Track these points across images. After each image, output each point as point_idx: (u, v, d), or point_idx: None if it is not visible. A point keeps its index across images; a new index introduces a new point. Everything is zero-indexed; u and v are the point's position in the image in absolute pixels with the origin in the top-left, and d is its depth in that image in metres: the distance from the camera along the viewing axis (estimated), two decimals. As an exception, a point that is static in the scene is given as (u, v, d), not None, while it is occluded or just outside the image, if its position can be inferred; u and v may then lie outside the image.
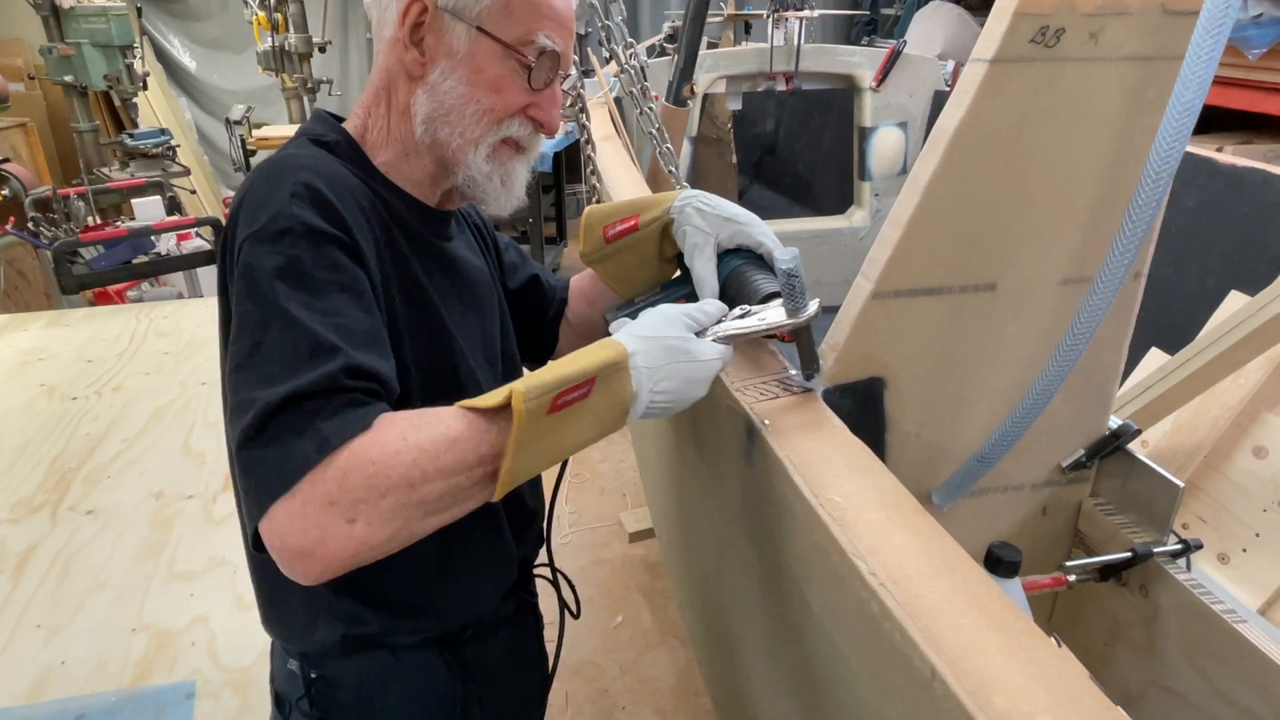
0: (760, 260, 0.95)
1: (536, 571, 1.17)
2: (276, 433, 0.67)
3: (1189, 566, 0.98)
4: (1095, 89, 0.84)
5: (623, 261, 1.06)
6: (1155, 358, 2.21)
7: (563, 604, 1.18)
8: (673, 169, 1.33)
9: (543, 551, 1.14)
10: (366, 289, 0.78)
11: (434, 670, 0.99)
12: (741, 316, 0.86)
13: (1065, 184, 0.88)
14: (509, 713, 1.12)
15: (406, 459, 0.67)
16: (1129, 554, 0.95)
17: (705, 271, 0.96)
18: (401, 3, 0.85)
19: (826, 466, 0.79)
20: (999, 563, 0.90)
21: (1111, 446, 1.01)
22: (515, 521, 1.03)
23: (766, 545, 0.92)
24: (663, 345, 0.78)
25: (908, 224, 0.86)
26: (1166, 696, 0.99)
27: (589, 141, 1.28)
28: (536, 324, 1.17)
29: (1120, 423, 1.02)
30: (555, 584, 1.17)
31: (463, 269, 0.99)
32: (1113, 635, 1.05)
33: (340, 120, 0.96)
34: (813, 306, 0.82)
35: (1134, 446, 1.05)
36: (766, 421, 0.86)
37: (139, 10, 4.85)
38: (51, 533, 1.62)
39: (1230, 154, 2.71)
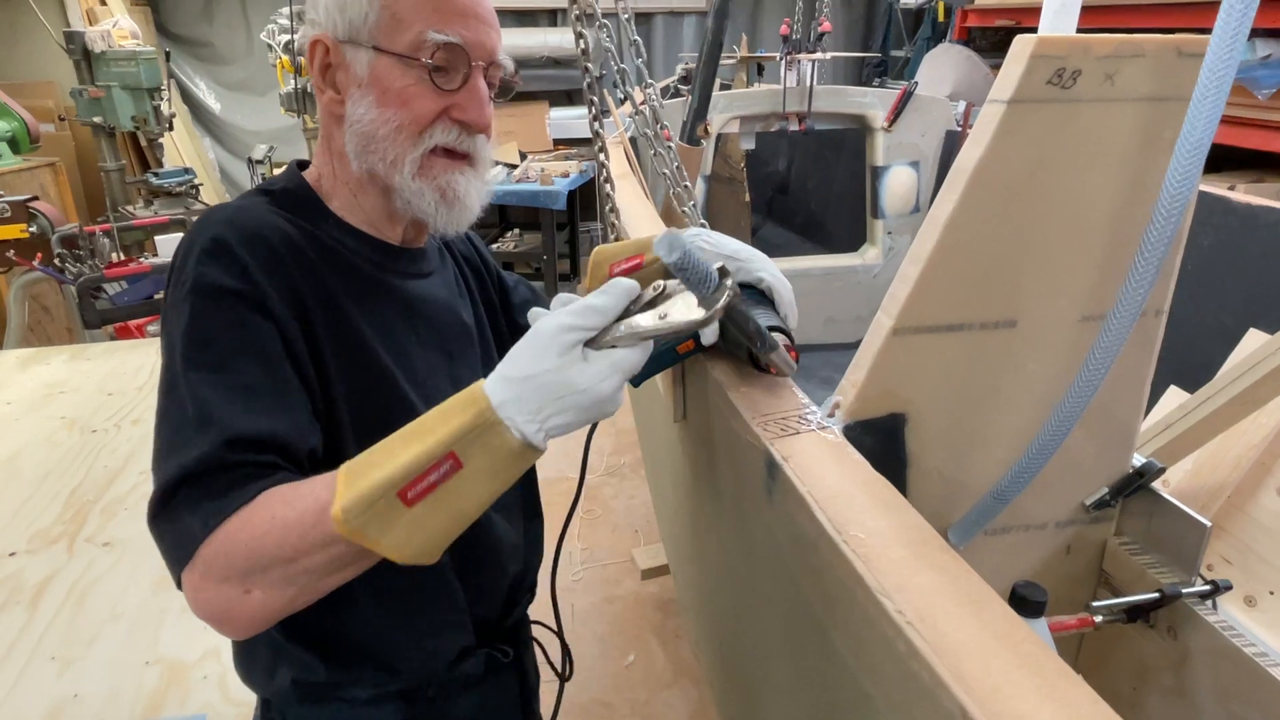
0: (760, 295, 0.95)
1: (533, 619, 1.15)
2: (174, 510, 0.72)
3: (1215, 608, 0.96)
4: (1111, 129, 0.85)
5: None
6: (1174, 396, 2.19)
7: (560, 662, 1.15)
8: (687, 209, 1.35)
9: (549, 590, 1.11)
10: (271, 343, 0.78)
11: None
12: (649, 306, 0.75)
13: (1083, 222, 0.89)
14: None
15: (274, 539, 0.69)
16: (1157, 594, 0.94)
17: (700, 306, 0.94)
18: (308, 49, 0.87)
19: (849, 502, 0.78)
20: (1024, 602, 0.89)
21: (1135, 485, 1.00)
22: (473, 581, 0.98)
23: (787, 583, 0.91)
24: (535, 385, 0.70)
25: (927, 261, 0.87)
26: (1200, 744, 0.96)
27: (608, 180, 1.30)
28: None
29: (1144, 460, 1.01)
30: (552, 644, 1.14)
31: (428, 309, 0.97)
32: (1141, 679, 1.03)
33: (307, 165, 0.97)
34: (725, 293, 0.72)
35: (1157, 485, 1.04)
36: (788, 457, 0.86)
37: (167, 54, 5.00)
38: (68, 564, 1.63)
39: (1242, 192, 2.72)
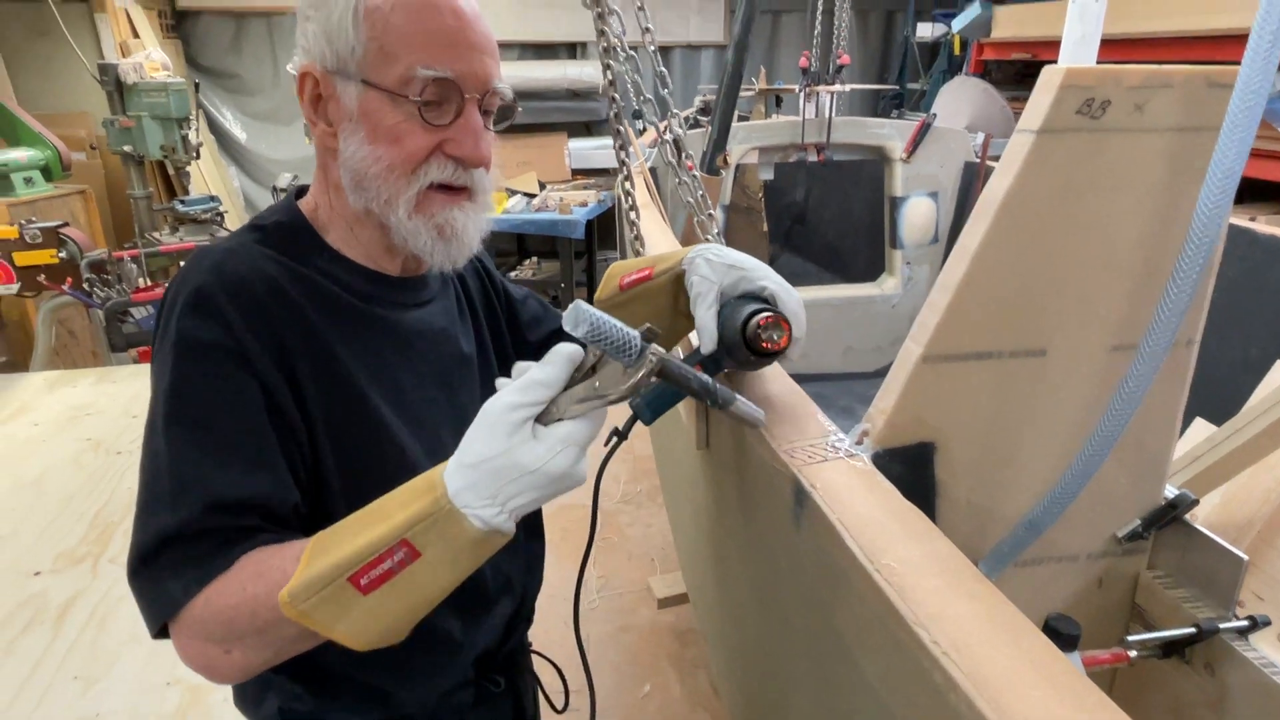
0: (765, 303, 0.92)
1: (534, 649, 1.14)
2: (155, 570, 0.73)
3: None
4: (1141, 158, 0.85)
5: (636, 311, 1.01)
6: (1201, 428, 2.17)
7: (569, 692, 1.13)
8: (710, 236, 1.36)
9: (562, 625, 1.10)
10: (253, 399, 0.77)
11: None
12: (591, 373, 0.71)
13: (1113, 251, 0.89)
14: None
15: (246, 610, 0.71)
16: (1193, 630, 0.92)
17: (705, 318, 0.91)
18: (298, 80, 0.85)
19: (881, 530, 0.78)
20: (1057, 636, 0.88)
21: (1168, 517, 0.99)
22: (468, 612, 0.95)
23: (816, 612, 0.90)
24: (488, 470, 0.68)
25: (956, 289, 0.87)
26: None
27: (633, 208, 1.32)
28: None
29: (1177, 492, 1.00)
30: (555, 675, 1.11)
31: (425, 341, 0.95)
32: (1177, 716, 1.01)
33: (304, 190, 0.95)
34: (645, 364, 0.69)
35: (1189, 518, 1.02)
36: (817, 485, 0.86)
37: (196, 85, 5.11)
38: (92, 584, 1.64)
39: (1265, 224, 2.70)
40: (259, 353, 0.78)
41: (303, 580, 0.68)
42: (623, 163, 1.33)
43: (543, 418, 0.70)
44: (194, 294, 0.78)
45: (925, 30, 6.36)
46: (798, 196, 4.27)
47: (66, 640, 1.51)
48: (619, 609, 3.05)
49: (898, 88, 6.78)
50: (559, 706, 1.16)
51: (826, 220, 4.15)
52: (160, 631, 0.75)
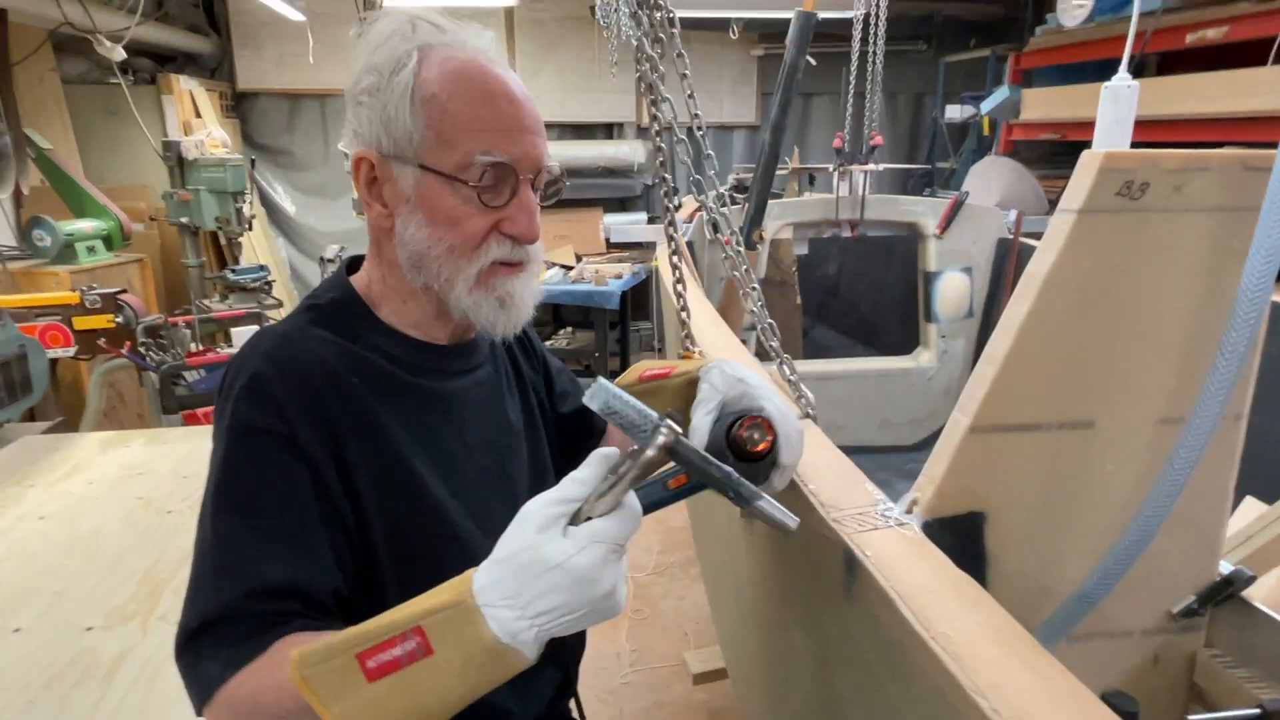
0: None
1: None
2: (197, 651, 0.76)
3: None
4: (1181, 237, 0.88)
5: (649, 404, 1.04)
6: (1251, 506, 2.12)
7: None
8: (755, 309, 1.38)
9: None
10: (301, 484, 0.79)
11: None
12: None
13: (1157, 326, 0.91)
14: None
15: (271, 696, 0.72)
16: (1258, 710, 0.90)
17: (699, 421, 0.91)
18: (353, 164, 0.87)
19: (935, 599, 0.78)
20: (1115, 712, 0.86)
21: (1225, 593, 0.98)
22: (518, 677, 0.91)
23: (868, 684, 0.90)
24: (514, 566, 0.66)
25: (1004, 362, 0.89)
26: None
27: (680, 280, 1.37)
28: (580, 451, 1.13)
29: (1232, 568, 0.99)
30: None
31: (474, 409, 0.96)
32: (1243, 804, 0.97)
33: (355, 260, 0.99)
34: (658, 436, 0.67)
35: (1247, 595, 1.01)
36: (869, 553, 0.87)
37: (253, 162, 5.37)
38: (142, 641, 1.66)
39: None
40: (310, 439, 0.80)
41: (317, 646, 0.67)
42: (671, 237, 1.39)
43: (575, 519, 0.68)
44: (251, 379, 0.81)
45: (954, 112, 6.51)
46: (831, 270, 4.33)
47: (117, 696, 1.53)
48: (652, 684, 2.99)
49: (929, 166, 6.90)
50: None
51: (860, 294, 4.20)
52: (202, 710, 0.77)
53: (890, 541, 0.89)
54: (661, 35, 1.27)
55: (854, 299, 4.13)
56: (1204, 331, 0.91)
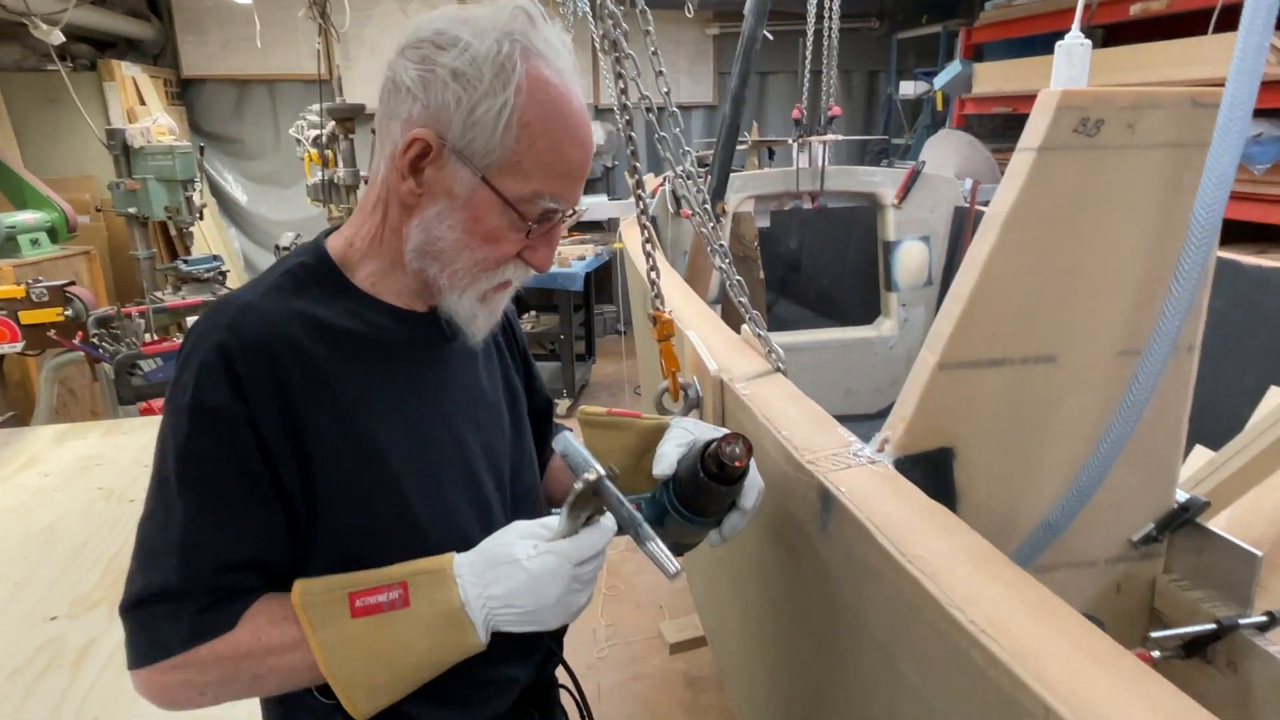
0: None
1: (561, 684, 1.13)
2: (151, 616, 0.79)
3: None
4: (1136, 173, 0.91)
5: (606, 436, 1.07)
6: (1201, 455, 2.20)
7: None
8: (743, 300, 1.37)
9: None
10: (257, 462, 0.80)
11: None
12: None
13: (1115, 260, 0.94)
14: None
15: (252, 662, 0.79)
16: (1214, 626, 0.94)
17: (667, 449, 0.94)
18: (406, 134, 0.82)
19: (909, 527, 0.81)
20: (1082, 631, 0.90)
21: (1181, 519, 1.02)
22: (508, 641, 0.91)
23: (848, 615, 0.92)
24: (488, 554, 0.81)
25: (968, 299, 0.92)
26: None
27: (649, 240, 1.38)
28: (539, 445, 1.14)
29: (1188, 496, 1.03)
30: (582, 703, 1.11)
31: (447, 379, 0.95)
32: (1203, 718, 1.02)
33: (334, 231, 0.95)
34: (578, 484, 0.79)
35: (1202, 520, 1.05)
36: (843, 489, 0.89)
37: (201, 149, 5.23)
38: (109, 628, 1.63)
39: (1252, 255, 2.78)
40: (269, 415, 0.80)
41: (317, 580, 0.80)
42: (639, 197, 1.39)
43: None
44: (214, 352, 0.79)
45: (908, 88, 6.58)
46: (792, 245, 4.37)
47: (85, 682, 1.50)
48: (629, 657, 3.01)
49: (885, 138, 6.99)
50: None
51: (821, 267, 4.24)
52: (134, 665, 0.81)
53: (863, 478, 0.91)
54: (616, 10, 1.27)
55: (816, 272, 4.18)
56: (1159, 264, 0.94)
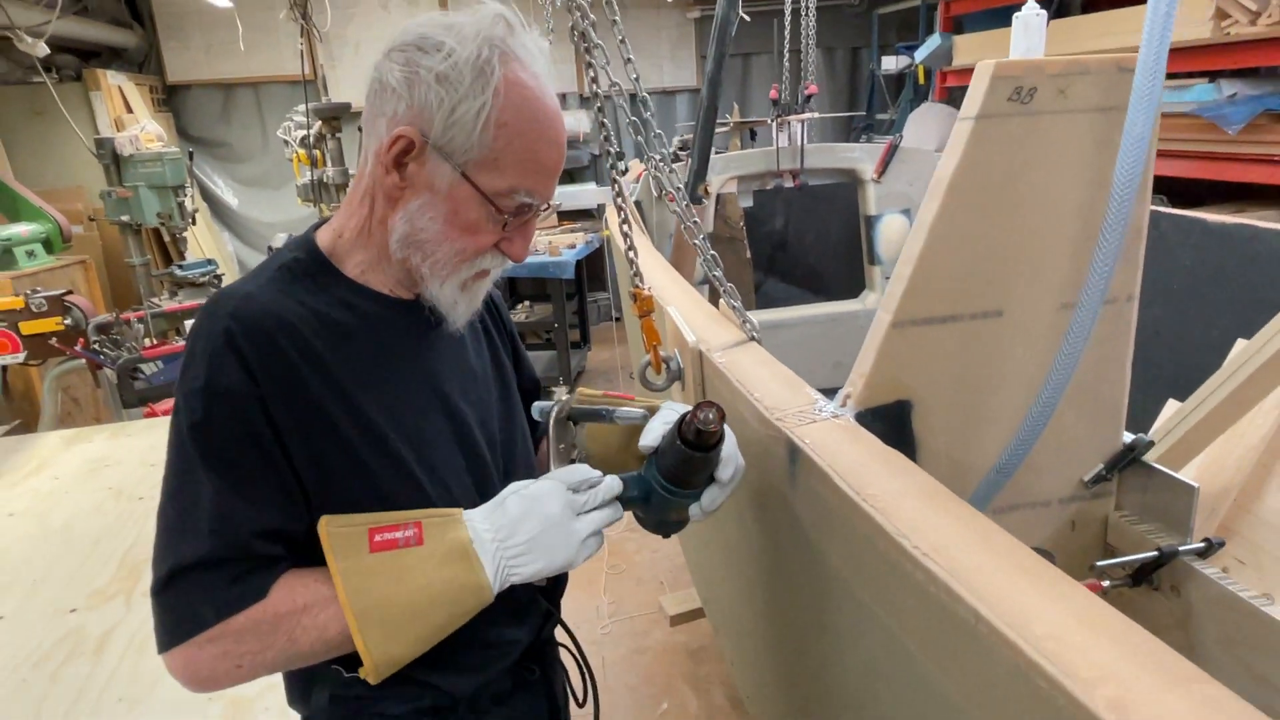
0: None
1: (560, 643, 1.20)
2: (184, 591, 0.83)
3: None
4: (1068, 136, 0.97)
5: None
6: (1172, 408, 2.27)
7: (586, 676, 1.18)
8: (718, 273, 1.43)
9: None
10: (269, 438, 0.85)
11: None
12: None
13: (1053, 219, 1.00)
14: None
15: (287, 624, 0.84)
16: (1155, 553, 1.01)
17: (654, 424, 0.99)
18: (391, 130, 0.87)
19: (865, 470, 0.87)
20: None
21: (1128, 459, 1.09)
22: (507, 599, 0.97)
23: (814, 557, 0.99)
24: (497, 503, 0.90)
25: (917, 259, 0.98)
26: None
27: (625, 221, 1.44)
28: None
29: (1134, 437, 1.10)
30: (583, 664, 1.18)
31: (435, 360, 1.00)
32: (1153, 641, 1.09)
33: (322, 225, 1.00)
34: (558, 400, 0.93)
35: (1149, 459, 1.12)
36: (808, 441, 0.96)
37: (190, 154, 5.28)
38: (126, 616, 1.71)
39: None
40: (276, 394, 0.85)
41: (344, 517, 0.86)
42: (615, 180, 1.45)
43: None
44: (222, 337, 0.85)
45: (890, 63, 6.62)
46: (777, 224, 4.42)
47: (108, 667, 1.57)
48: (631, 632, 3.09)
49: (864, 113, 7.02)
50: (580, 699, 1.22)
51: (807, 244, 4.30)
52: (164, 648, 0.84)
53: (826, 431, 0.98)
54: (584, 2, 1.33)
55: (801, 250, 4.24)
56: (1094, 222, 1.01)
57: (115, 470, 2.48)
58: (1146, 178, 0.99)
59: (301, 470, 0.88)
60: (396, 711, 1.00)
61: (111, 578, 1.88)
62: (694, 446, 0.92)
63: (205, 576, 0.83)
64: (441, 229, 0.90)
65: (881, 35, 7.16)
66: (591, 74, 1.40)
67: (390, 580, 0.84)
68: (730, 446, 0.97)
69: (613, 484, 0.92)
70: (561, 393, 0.92)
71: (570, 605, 1.18)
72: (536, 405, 0.97)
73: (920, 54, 5.78)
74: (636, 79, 1.41)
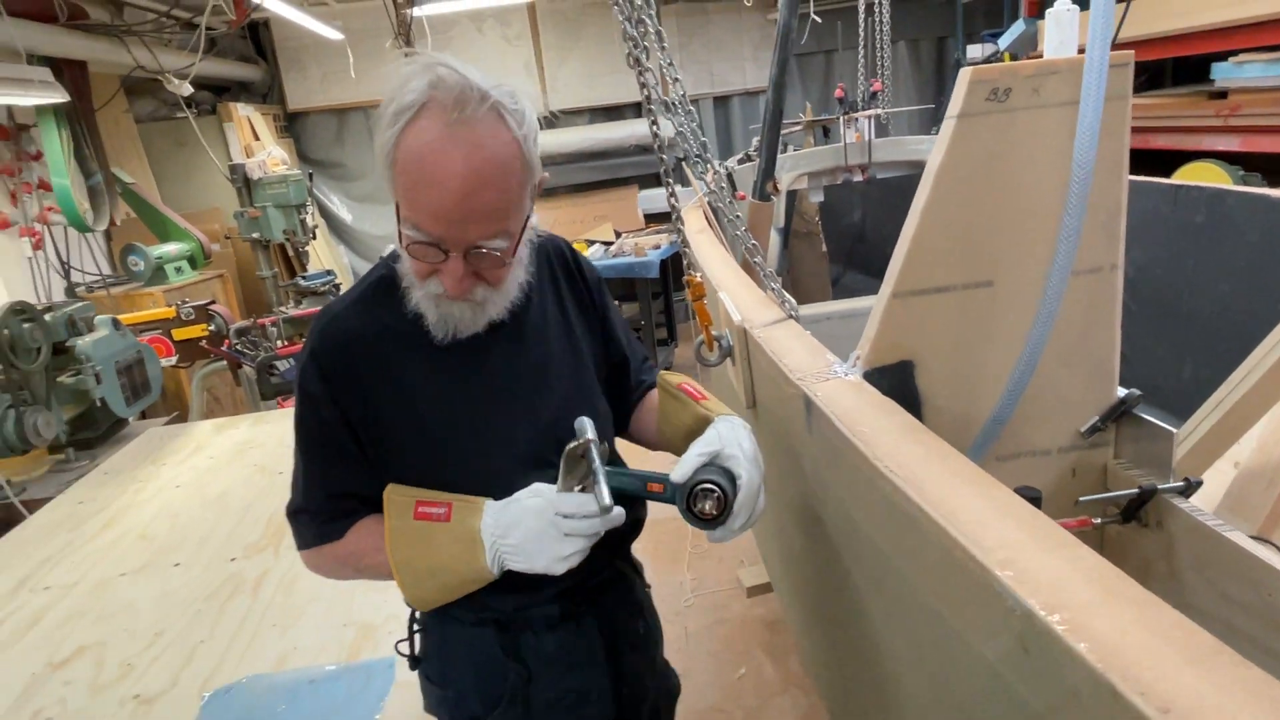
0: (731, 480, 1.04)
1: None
2: (299, 522, 1.19)
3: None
4: (1042, 128, 1.12)
5: (674, 407, 1.25)
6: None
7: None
8: (758, 260, 1.63)
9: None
10: (344, 428, 1.11)
11: (487, 646, 1.21)
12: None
13: (1033, 200, 1.15)
14: (561, 702, 1.24)
15: (354, 559, 1.15)
16: (1136, 490, 1.15)
17: (689, 456, 1.04)
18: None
19: (860, 414, 1.06)
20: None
21: (1120, 411, 1.22)
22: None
23: (828, 497, 1.17)
24: (509, 499, 1.05)
25: (912, 239, 1.16)
26: (1190, 614, 1.14)
27: (678, 218, 1.64)
28: (616, 399, 1.35)
29: (1126, 391, 1.23)
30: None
31: (492, 359, 1.15)
32: (1144, 574, 1.22)
33: None
34: (604, 497, 0.98)
35: (1141, 412, 1.25)
36: (819, 394, 1.14)
37: (310, 175, 5.81)
38: (275, 564, 2.05)
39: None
40: (347, 397, 1.10)
41: (404, 488, 1.10)
42: (667, 182, 1.66)
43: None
44: (309, 353, 1.12)
45: (975, 52, 6.54)
46: (855, 218, 4.52)
47: (264, 601, 1.91)
48: (712, 605, 3.29)
49: (932, 105, 6.96)
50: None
51: (885, 235, 4.37)
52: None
53: (837, 387, 1.16)
54: (645, 17, 1.55)
55: (879, 240, 4.33)
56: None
57: (258, 450, 2.88)
58: (1119, 159, 1.14)
59: (369, 449, 1.15)
60: (466, 619, 1.23)
61: (262, 534, 2.24)
62: (697, 520, 1.03)
63: (302, 517, 1.19)
64: (405, 251, 1.04)
65: (967, 24, 7.08)
66: (645, 93, 1.60)
67: (420, 543, 1.07)
68: (745, 498, 1.02)
69: (594, 523, 1.02)
70: (588, 428, 1.04)
71: (656, 580, 1.36)
72: (577, 422, 1.06)
73: (1004, 41, 5.72)
74: (684, 95, 1.62)
